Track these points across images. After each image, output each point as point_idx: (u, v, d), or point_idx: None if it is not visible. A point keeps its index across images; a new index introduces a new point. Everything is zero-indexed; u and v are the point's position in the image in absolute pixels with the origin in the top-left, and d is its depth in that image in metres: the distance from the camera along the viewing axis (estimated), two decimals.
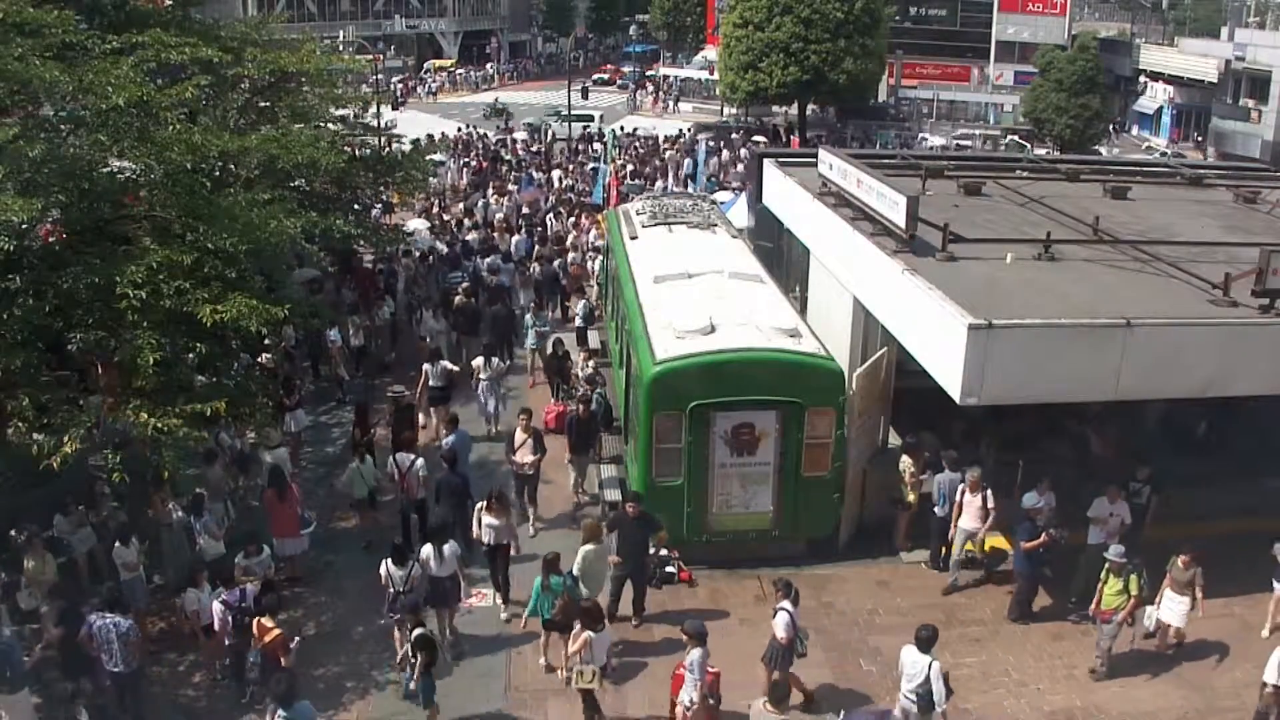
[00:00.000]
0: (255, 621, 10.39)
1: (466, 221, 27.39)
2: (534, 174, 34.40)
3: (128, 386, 11.44)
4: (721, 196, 27.59)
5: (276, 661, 10.24)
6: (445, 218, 28.24)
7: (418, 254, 23.41)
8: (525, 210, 28.26)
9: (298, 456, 15.49)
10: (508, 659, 11.64)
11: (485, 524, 12.14)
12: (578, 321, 20.45)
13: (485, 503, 12.24)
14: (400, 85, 63.11)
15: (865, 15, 44.59)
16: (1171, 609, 11.36)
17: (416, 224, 26.41)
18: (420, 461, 13.54)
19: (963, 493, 12.66)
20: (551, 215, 27.90)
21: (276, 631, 10.34)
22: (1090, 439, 14.86)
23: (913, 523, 13.68)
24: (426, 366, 16.62)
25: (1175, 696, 11.10)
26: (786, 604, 10.39)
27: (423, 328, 19.58)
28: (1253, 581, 12.64)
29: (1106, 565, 11.12)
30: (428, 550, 11.28)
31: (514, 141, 43.86)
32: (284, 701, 9.01)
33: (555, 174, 35.43)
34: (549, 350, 18.05)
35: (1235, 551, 12.80)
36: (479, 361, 16.57)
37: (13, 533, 12.02)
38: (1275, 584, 11.96)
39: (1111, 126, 53.30)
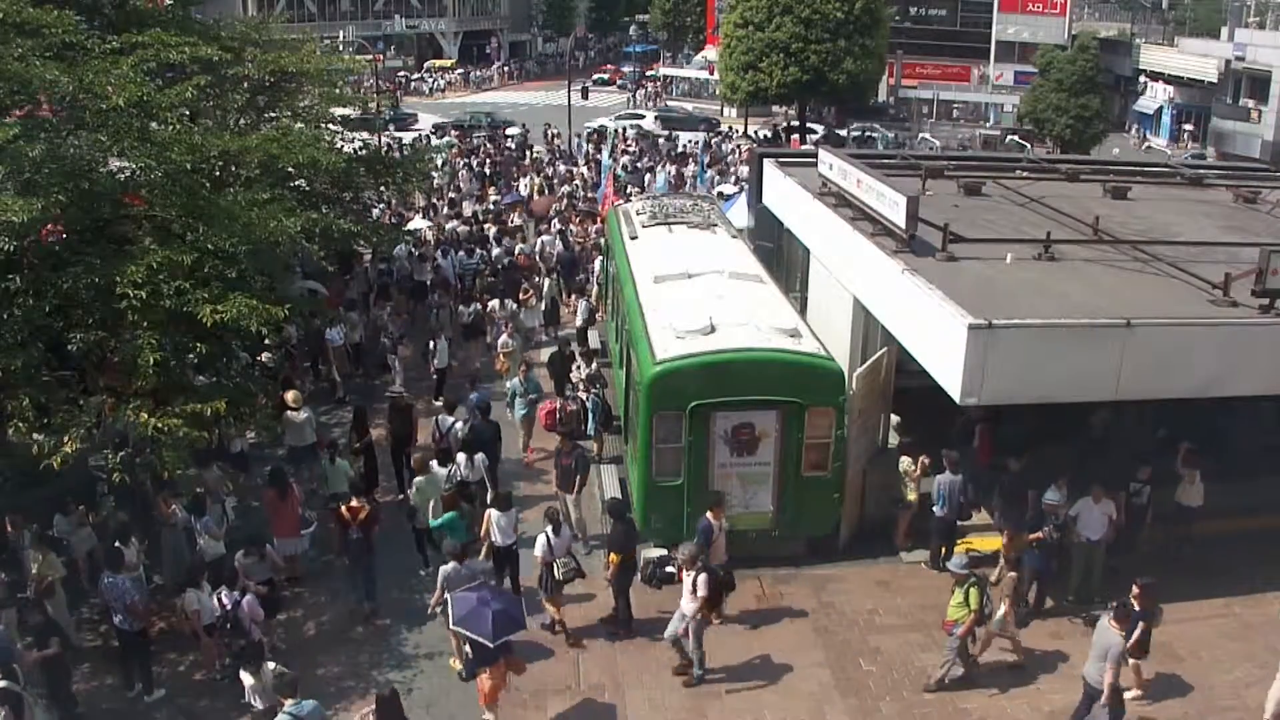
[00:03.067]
0: (344, 507, 11.98)
1: (459, 210, 27.69)
2: (521, 180, 34.14)
3: (128, 386, 11.44)
4: (725, 189, 27.70)
5: (369, 537, 11.89)
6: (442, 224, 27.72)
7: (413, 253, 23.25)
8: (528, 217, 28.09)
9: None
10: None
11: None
12: (578, 321, 20.46)
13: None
14: (398, 84, 63.09)
15: (865, 15, 44.54)
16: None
17: (418, 224, 26.35)
18: (460, 425, 14.58)
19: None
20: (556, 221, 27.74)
21: (367, 509, 11.94)
22: (975, 434, 14.68)
23: (913, 523, 13.69)
24: (463, 308, 20.25)
25: (1175, 696, 11.08)
26: (549, 529, 11.57)
27: (438, 359, 18.20)
28: (1253, 582, 12.67)
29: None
30: (461, 458, 13.61)
31: (506, 138, 43.89)
32: (293, 691, 9.14)
33: (579, 169, 35.54)
34: (555, 350, 18.20)
35: (1235, 552, 12.87)
36: (495, 303, 20.11)
37: (11, 531, 12.03)
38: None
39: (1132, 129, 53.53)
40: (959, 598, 10.72)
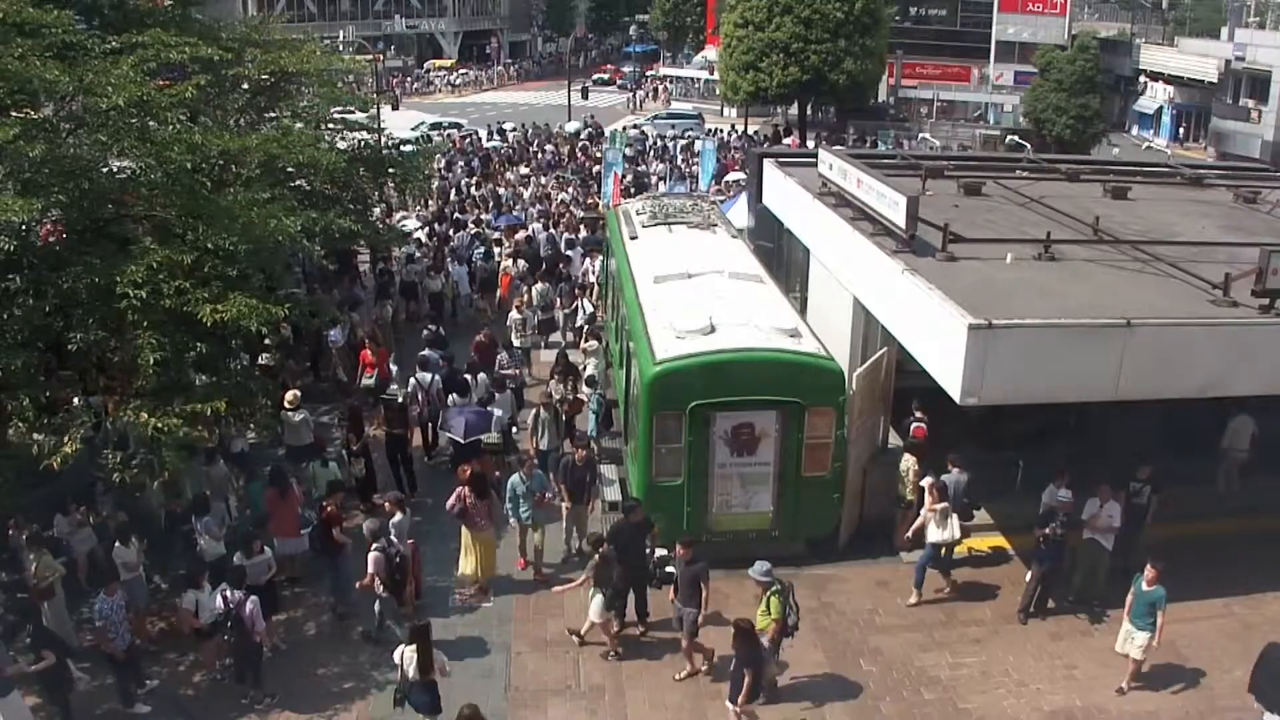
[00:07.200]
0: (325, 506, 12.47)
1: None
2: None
3: (128, 386, 11.44)
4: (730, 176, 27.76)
5: (329, 535, 12.17)
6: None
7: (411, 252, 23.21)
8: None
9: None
10: (507, 659, 11.64)
11: None
12: (578, 322, 20.38)
13: None
14: (396, 84, 63.15)
15: (865, 15, 44.57)
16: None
17: (411, 224, 26.29)
18: (438, 379, 15.84)
19: None
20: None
21: (330, 507, 12.28)
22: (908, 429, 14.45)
23: (913, 523, 13.66)
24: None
25: (1176, 696, 11.10)
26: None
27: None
28: (1253, 582, 12.67)
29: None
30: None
31: (505, 134, 43.87)
32: None
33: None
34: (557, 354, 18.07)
35: (1235, 552, 12.85)
36: (507, 262, 22.52)
37: (11, 531, 12.02)
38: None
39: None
40: (762, 606, 10.43)
